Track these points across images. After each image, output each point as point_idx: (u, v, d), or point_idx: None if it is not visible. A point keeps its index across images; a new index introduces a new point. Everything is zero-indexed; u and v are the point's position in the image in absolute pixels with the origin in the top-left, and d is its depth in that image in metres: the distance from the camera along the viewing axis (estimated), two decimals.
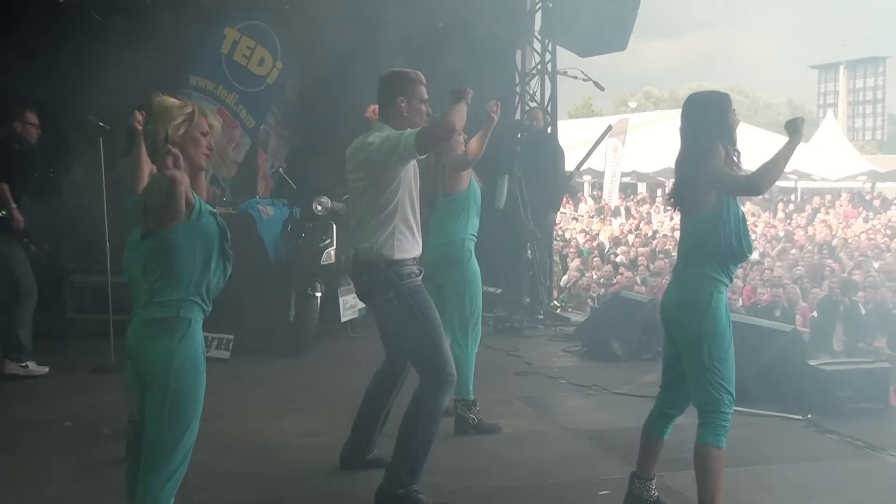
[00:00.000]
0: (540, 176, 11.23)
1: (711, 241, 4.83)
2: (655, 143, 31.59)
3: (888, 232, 26.89)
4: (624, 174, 31.19)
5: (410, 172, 5.41)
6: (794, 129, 4.82)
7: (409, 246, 5.39)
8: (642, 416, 5.31)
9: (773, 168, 4.76)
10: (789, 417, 7.21)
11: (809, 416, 7.18)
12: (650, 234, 24.38)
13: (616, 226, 27.95)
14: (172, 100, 4.11)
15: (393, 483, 5.27)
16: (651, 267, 17.58)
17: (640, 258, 18.88)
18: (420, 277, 5.44)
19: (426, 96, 5.46)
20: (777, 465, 6.17)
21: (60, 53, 10.11)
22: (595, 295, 15.37)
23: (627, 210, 32.67)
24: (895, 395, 8.23)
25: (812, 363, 7.79)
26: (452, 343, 6.26)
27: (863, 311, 13.18)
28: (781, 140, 4.90)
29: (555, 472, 6.16)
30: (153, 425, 3.94)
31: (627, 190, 36.54)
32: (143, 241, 4.05)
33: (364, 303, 5.79)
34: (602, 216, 30.14)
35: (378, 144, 5.20)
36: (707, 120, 4.93)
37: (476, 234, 6.80)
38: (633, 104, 68.95)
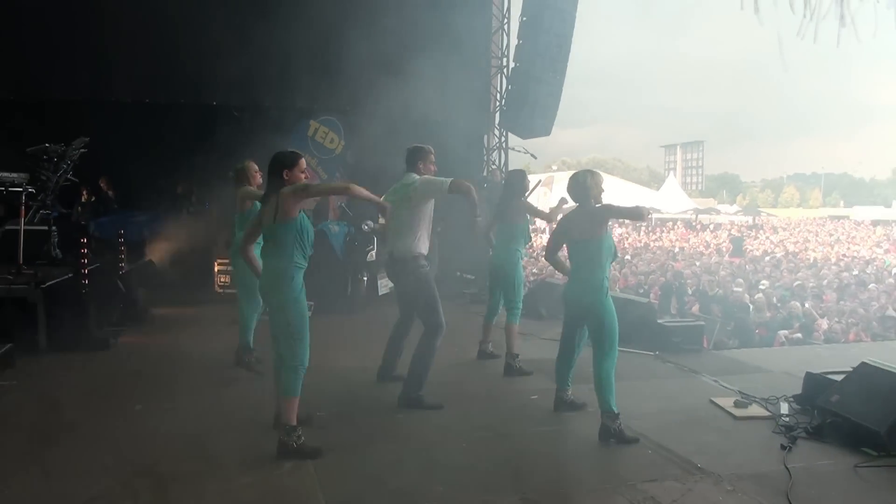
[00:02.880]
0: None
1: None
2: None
3: (703, 245, 27.69)
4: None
5: (431, 205, 5.47)
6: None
7: (426, 246, 5.44)
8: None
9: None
10: (645, 353, 7.28)
11: (657, 352, 7.28)
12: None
13: (544, 239, 28.19)
14: None
15: (408, 390, 5.39)
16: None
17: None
18: (428, 267, 5.48)
19: (434, 160, 5.54)
20: (637, 381, 6.24)
21: (215, 135, 10.20)
22: (531, 279, 15.45)
23: (550, 230, 32.83)
24: (706, 341, 8.36)
25: (659, 321, 7.91)
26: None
27: (688, 291, 13.34)
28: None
29: (503, 384, 6.25)
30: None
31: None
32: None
33: (393, 281, 5.76)
34: (536, 233, 30.35)
35: (421, 185, 5.27)
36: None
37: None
38: (555, 167, 68.55)
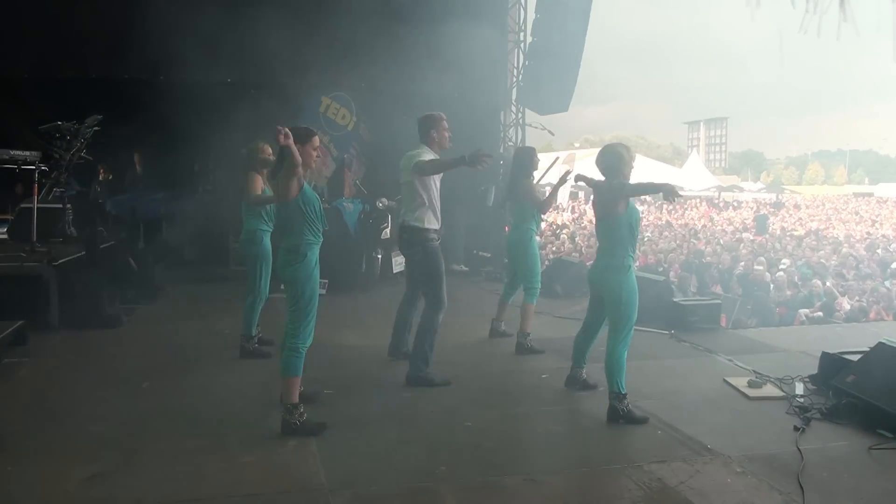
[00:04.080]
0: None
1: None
2: (591, 169, 31.00)
3: (727, 223, 27.28)
4: (571, 186, 30.91)
5: (438, 179, 5.40)
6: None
7: (433, 221, 5.36)
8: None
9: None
10: (661, 332, 7.16)
11: (672, 331, 7.15)
12: (585, 223, 24.31)
13: (565, 217, 28.00)
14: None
15: (414, 369, 5.34)
16: (579, 241, 17.57)
17: (576, 237, 18.84)
18: (438, 242, 5.41)
19: (447, 126, 5.43)
20: (653, 360, 6.15)
21: (230, 113, 10.13)
22: (548, 258, 15.34)
23: (572, 208, 32.59)
24: (724, 320, 8.20)
25: (675, 300, 7.77)
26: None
27: (710, 268, 13.13)
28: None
29: (514, 362, 6.17)
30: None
31: (574, 195, 36.18)
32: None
33: (402, 252, 5.69)
34: (556, 211, 30.15)
35: (416, 164, 5.22)
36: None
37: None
38: (577, 145, 68.04)
